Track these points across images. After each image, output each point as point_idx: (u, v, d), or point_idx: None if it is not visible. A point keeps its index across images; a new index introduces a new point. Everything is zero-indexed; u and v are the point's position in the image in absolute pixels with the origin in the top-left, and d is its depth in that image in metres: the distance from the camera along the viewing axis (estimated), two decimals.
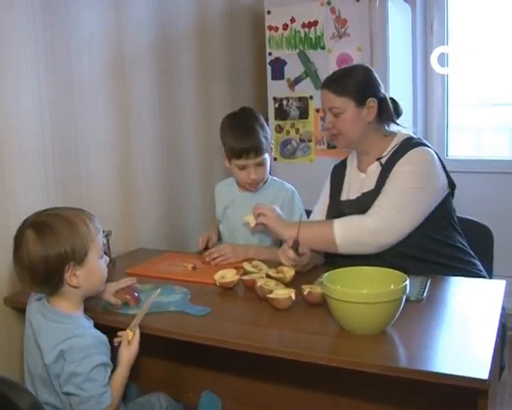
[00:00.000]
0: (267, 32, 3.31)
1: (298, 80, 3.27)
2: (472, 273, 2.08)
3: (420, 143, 2.11)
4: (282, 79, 3.31)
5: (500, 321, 1.63)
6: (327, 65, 3.14)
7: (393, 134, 2.18)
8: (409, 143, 2.11)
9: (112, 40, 2.52)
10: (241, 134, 2.31)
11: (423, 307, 1.74)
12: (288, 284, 1.89)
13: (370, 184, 2.13)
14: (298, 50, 3.24)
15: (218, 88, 3.28)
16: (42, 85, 2.18)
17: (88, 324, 1.63)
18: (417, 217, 2.02)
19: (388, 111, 2.18)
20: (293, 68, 3.27)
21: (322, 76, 3.14)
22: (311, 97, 3.22)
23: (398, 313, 1.56)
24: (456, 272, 2.04)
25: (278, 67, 3.31)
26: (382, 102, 2.16)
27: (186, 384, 2.12)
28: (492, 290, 1.88)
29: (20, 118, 2.10)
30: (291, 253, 1.96)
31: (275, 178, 2.58)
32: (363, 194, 2.13)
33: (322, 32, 3.14)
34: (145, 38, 2.73)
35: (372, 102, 2.12)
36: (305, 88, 3.24)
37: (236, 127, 2.35)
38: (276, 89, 3.34)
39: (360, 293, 1.56)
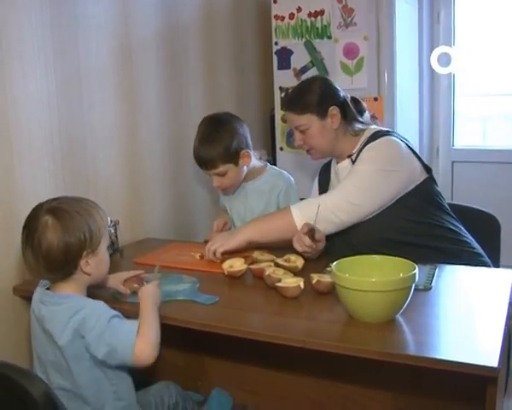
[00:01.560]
0: (273, 21, 3.31)
1: (304, 70, 3.26)
2: (466, 252, 2.10)
3: (386, 134, 2.15)
4: (289, 68, 3.30)
5: (508, 310, 1.63)
6: (333, 54, 3.15)
7: (362, 131, 2.22)
8: (376, 136, 2.15)
9: (119, 30, 2.52)
10: (198, 145, 2.33)
11: (431, 295, 1.75)
12: (296, 273, 1.89)
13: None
14: (304, 40, 3.23)
15: (224, 77, 3.27)
16: (50, 74, 2.18)
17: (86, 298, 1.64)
18: (381, 197, 2.06)
19: (351, 112, 2.23)
20: (300, 58, 3.26)
21: (329, 66, 3.17)
22: None
23: (407, 302, 1.56)
24: (450, 254, 2.06)
25: (284, 56, 3.30)
26: (344, 105, 2.21)
27: (195, 373, 2.12)
28: (500, 280, 1.88)
29: (28, 106, 2.10)
30: (307, 240, 1.96)
31: (274, 167, 2.59)
32: None
33: (329, 21, 3.13)
34: (151, 28, 2.72)
35: (334, 110, 2.17)
36: None
37: (197, 135, 2.36)
38: (283, 78, 3.33)
39: (369, 281, 1.56)
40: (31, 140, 2.12)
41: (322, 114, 2.16)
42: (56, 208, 1.58)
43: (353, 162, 2.15)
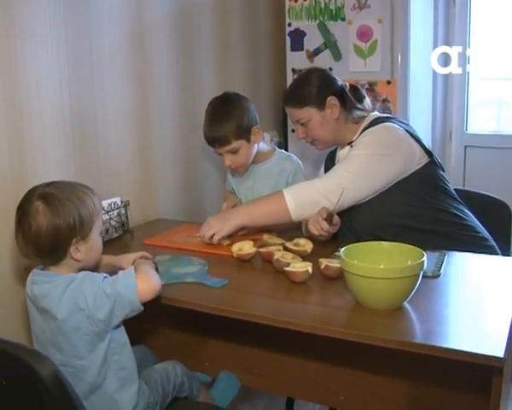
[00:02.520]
0: (287, 2, 3.27)
1: (317, 52, 3.24)
2: (470, 237, 2.10)
3: (385, 120, 2.17)
4: (302, 50, 3.28)
5: None
6: (347, 37, 3.12)
7: (363, 118, 2.24)
8: (375, 122, 2.17)
9: (131, 10, 2.50)
10: (208, 123, 2.34)
11: (440, 282, 1.74)
12: (305, 257, 1.89)
13: None
14: (318, 21, 3.20)
15: (236, 59, 3.25)
16: (61, 54, 2.18)
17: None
18: (376, 182, 2.07)
19: (350, 101, 2.23)
20: (313, 40, 3.23)
21: (342, 48, 3.15)
22: (331, 69, 3.18)
23: (415, 289, 1.56)
24: (454, 238, 2.06)
25: (297, 38, 3.28)
26: (342, 94, 2.22)
27: (202, 355, 2.14)
28: (510, 268, 1.88)
29: (39, 87, 2.10)
30: (325, 225, 1.98)
31: (282, 150, 2.58)
32: None
33: (343, 2, 3.10)
34: (164, 9, 2.71)
35: (333, 100, 2.19)
36: (325, 60, 3.21)
37: (207, 115, 2.36)
38: (295, 60, 3.30)
39: (378, 268, 1.56)
40: (42, 120, 2.12)
41: (321, 105, 2.19)
42: (48, 194, 1.58)
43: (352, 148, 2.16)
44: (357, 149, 2.11)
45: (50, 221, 1.54)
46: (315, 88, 2.20)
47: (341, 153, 2.27)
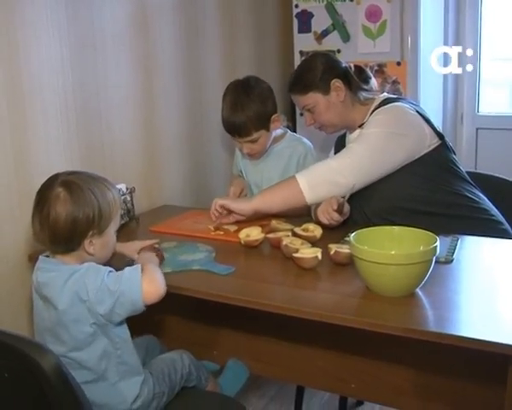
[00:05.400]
0: None
1: (325, 33, 3.19)
2: (484, 220, 2.06)
3: (395, 100, 2.14)
4: (309, 32, 3.24)
5: None
6: (355, 17, 3.08)
7: (371, 100, 2.20)
8: (385, 102, 2.14)
9: None
10: (227, 113, 2.31)
11: (453, 268, 1.70)
12: (314, 243, 1.86)
13: None
14: (325, 2, 3.15)
15: (243, 41, 3.21)
16: (63, 39, 2.14)
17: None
18: (389, 159, 2.03)
19: (355, 82, 2.20)
20: (321, 21, 3.19)
21: (351, 29, 3.10)
22: (339, 51, 3.14)
23: (428, 275, 1.52)
24: (467, 222, 2.03)
25: (305, 19, 3.23)
26: (347, 76, 2.19)
27: (210, 343, 2.12)
28: None
29: (41, 74, 2.07)
30: (335, 215, 1.96)
31: (294, 133, 2.55)
32: None
33: None
34: None
35: (337, 83, 2.16)
36: (333, 41, 3.17)
37: (227, 102, 2.33)
38: (303, 42, 3.26)
39: (389, 254, 1.52)
40: (44, 107, 2.09)
41: (326, 89, 2.16)
42: (71, 182, 1.56)
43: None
44: (369, 127, 2.07)
45: (70, 211, 1.52)
46: (318, 72, 2.17)
47: (352, 136, 2.23)
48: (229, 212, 2.14)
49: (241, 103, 2.27)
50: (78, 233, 1.54)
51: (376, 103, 2.16)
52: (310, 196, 2.04)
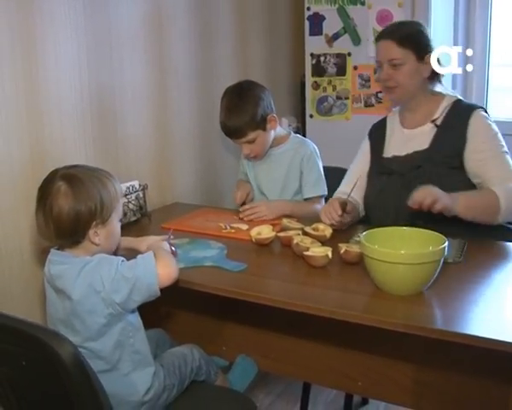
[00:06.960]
0: None
1: (336, 36, 3.22)
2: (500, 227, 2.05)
3: (474, 106, 2.12)
4: (320, 34, 3.27)
5: None
6: (366, 21, 3.10)
7: (441, 95, 2.17)
8: (462, 106, 2.12)
9: None
10: (223, 116, 2.33)
11: (461, 269, 1.72)
12: (324, 242, 1.88)
13: (423, 144, 2.11)
14: (337, 6, 3.18)
15: (255, 42, 3.24)
16: (80, 37, 2.18)
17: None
18: None
19: (438, 72, 2.14)
20: (332, 24, 3.22)
21: (362, 32, 3.12)
22: (349, 54, 3.17)
23: (436, 275, 1.55)
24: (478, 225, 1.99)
25: (316, 22, 3.26)
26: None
27: (220, 339, 2.14)
28: None
29: (58, 70, 2.11)
30: (337, 217, 1.98)
31: (297, 135, 2.57)
32: (416, 152, 2.11)
33: None
34: None
35: (429, 59, 2.07)
36: (344, 44, 3.20)
37: (222, 108, 2.35)
38: (314, 45, 3.30)
39: (398, 253, 1.54)
40: (61, 103, 2.13)
41: (420, 56, 2.09)
42: (71, 175, 1.58)
43: (437, 128, 2.11)
44: (487, 145, 2.05)
45: (72, 204, 1.55)
46: (423, 38, 2.13)
47: (420, 130, 2.16)
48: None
49: (236, 107, 2.30)
50: (81, 225, 1.57)
51: (449, 101, 2.13)
52: (503, 215, 1.98)
